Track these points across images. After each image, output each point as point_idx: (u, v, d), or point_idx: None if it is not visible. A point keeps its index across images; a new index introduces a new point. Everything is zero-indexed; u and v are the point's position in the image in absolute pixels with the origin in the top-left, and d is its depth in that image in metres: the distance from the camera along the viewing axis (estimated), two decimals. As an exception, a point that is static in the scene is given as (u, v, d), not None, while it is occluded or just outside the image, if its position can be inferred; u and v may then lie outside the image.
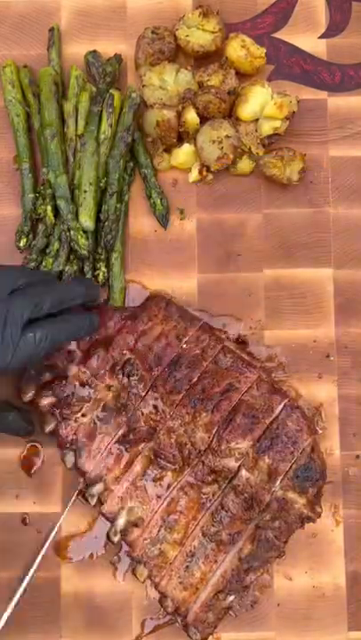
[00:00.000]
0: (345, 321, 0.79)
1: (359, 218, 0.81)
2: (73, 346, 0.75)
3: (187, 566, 0.71)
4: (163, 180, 0.81)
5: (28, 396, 0.74)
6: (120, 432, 0.73)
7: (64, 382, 0.74)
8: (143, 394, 0.73)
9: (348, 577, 0.76)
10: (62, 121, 0.79)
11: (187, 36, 0.80)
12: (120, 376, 0.73)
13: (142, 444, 0.73)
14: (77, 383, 0.74)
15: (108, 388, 0.74)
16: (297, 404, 0.73)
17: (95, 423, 0.74)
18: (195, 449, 0.71)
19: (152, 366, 0.73)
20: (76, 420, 0.74)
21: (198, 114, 0.78)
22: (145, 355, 0.73)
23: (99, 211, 0.78)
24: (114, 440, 0.73)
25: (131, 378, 0.73)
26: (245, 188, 0.81)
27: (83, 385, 0.74)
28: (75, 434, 0.73)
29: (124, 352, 0.74)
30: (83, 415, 0.74)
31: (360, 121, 0.82)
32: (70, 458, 0.74)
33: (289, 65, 0.83)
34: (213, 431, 0.71)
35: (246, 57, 0.80)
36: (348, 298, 0.79)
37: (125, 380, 0.73)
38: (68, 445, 0.73)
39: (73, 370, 0.75)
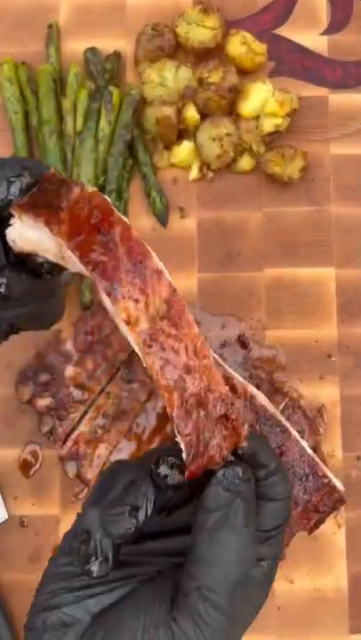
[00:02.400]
0: (347, 321, 0.78)
1: (361, 216, 0.80)
2: (69, 346, 0.75)
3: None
4: (162, 177, 0.81)
5: (25, 396, 0.74)
6: (122, 439, 0.73)
7: (61, 383, 0.74)
8: (144, 399, 0.72)
9: (350, 580, 0.75)
10: (61, 118, 0.78)
11: (187, 32, 0.79)
12: (120, 383, 0.73)
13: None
14: (74, 384, 0.74)
15: (108, 395, 0.73)
16: (299, 404, 0.73)
17: (96, 432, 0.73)
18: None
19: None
20: (74, 428, 0.73)
21: (198, 111, 0.78)
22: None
23: (97, 209, 0.77)
24: (116, 447, 0.72)
25: (130, 384, 0.73)
26: (246, 186, 0.80)
27: (79, 386, 0.74)
28: (76, 444, 0.73)
29: (119, 352, 0.74)
30: (80, 421, 0.73)
31: (362, 118, 0.82)
32: (72, 467, 0.73)
33: (290, 62, 0.82)
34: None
35: (247, 53, 0.79)
36: (350, 297, 0.79)
37: (126, 386, 0.73)
38: (69, 456, 0.73)
39: (69, 371, 0.74)
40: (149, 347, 0.37)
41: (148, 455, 0.41)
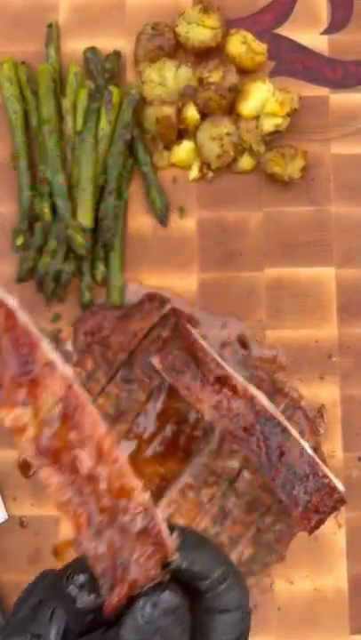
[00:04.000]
0: (348, 321, 0.78)
1: (362, 216, 0.80)
2: (69, 346, 0.75)
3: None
4: (162, 177, 0.80)
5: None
6: (122, 439, 0.73)
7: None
8: (144, 399, 0.72)
9: (350, 580, 0.75)
10: (60, 118, 0.78)
11: (187, 32, 0.79)
12: (120, 383, 0.73)
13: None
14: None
15: (107, 395, 0.73)
16: (299, 404, 0.73)
17: None
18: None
19: (149, 370, 0.72)
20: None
21: (198, 110, 0.78)
22: (141, 356, 0.73)
23: (97, 209, 0.77)
24: None
25: (130, 384, 0.72)
26: (246, 185, 0.80)
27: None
28: None
29: (118, 353, 0.73)
30: None
31: (362, 118, 0.82)
32: None
33: (290, 61, 0.82)
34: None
35: (247, 53, 0.79)
36: (350, 297, 0.79)
37: (126, 386, 0.73)
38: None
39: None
40: (45, 457, 0.32)
41: (72, 564, 0.35)
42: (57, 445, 0.31)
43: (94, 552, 0.32)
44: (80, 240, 0.75)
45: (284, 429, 0.67)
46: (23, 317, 0.33)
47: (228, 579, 0.35)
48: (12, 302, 0.33)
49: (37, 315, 0.78)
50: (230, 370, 0.69)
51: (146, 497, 0.33)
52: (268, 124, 0.78)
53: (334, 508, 0.72)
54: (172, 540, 0.33)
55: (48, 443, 0.31)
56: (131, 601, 0.33)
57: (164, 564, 0.34)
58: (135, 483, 0.33)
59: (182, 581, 0.35)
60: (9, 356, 0.31)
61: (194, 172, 0.80)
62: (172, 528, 0.34)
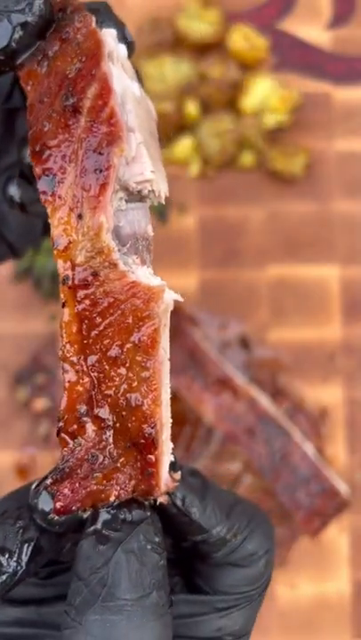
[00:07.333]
0: (351, 321, 0.77)
1: (365, 214, 0.79)
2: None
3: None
4: (162, 174, 0.79)
5: (22, 399, 0.73)
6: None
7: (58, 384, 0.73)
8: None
9: (353, 584, 0.74)
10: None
11: (187, 27, 0.78)
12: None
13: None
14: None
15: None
16: (301, 406, 0.72)
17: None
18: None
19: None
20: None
21: (199, 106, 0.77)
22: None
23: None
24: None
25: None
26: (248, 182, 0.79)
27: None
28: None
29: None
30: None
31: (366, 114, 0.81)
32: None
33: (293, 56, 0.81)
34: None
35: (248, 48, 0.78)
36: (354, 297, 0.78)
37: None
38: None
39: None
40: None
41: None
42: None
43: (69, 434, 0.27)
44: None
45: (286, 432, 0.66)
46: (114, 101, 0.27)
47: (251, 527, 0.28)
48: (111, 80, 0.27)
49: (35, 314, 0.77)
50: (231, 371, 0.69)
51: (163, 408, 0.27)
52: (270, 120, 0.77)
53: (337, 511, 0.71)
54: (163, 475, 0.27)
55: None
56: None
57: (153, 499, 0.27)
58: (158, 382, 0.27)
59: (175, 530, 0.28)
60: (82, 148, 0.27)
61: (194, 169, 0.79)
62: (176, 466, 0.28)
